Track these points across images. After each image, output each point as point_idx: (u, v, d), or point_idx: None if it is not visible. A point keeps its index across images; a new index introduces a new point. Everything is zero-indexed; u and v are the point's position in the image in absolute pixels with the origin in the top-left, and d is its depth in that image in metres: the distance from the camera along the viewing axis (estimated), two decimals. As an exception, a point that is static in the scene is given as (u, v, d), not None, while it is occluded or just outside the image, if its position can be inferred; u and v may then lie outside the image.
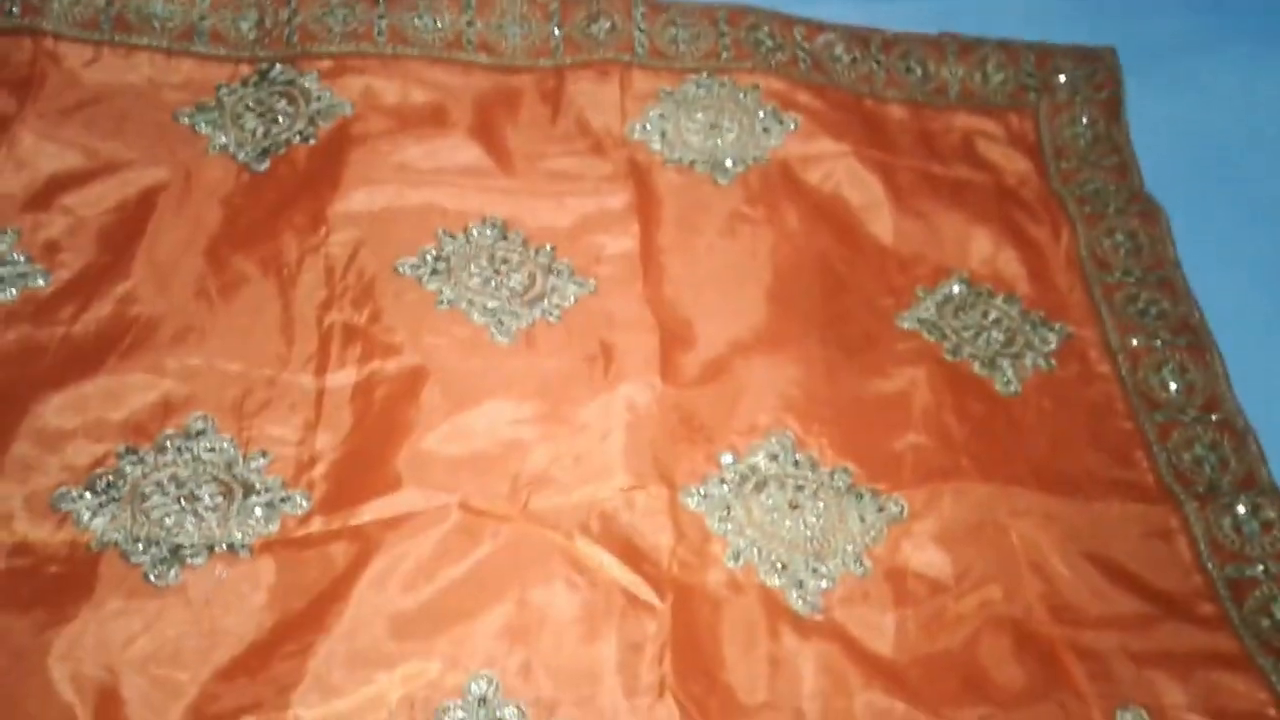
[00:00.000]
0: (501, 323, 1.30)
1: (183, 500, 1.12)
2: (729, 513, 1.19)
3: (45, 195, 1.34)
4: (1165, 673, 1.13)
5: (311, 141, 1.44)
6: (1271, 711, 1.11)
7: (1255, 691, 1.12)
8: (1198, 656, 1.14)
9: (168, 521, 1.10)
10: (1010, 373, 1.36)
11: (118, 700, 0.98)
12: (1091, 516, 1.24)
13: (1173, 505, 1.26)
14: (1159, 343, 1.41)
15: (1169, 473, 1.29)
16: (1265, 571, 1.21)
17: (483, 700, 1.02)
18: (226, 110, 1.46)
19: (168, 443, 1.16)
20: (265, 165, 1.41)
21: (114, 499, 1.11)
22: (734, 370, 1.30)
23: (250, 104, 1.46)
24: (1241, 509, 1.25)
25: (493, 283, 1.33)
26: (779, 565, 1.16)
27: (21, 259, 1.28)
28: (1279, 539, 1.23)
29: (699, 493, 1.20)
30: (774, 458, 1.23)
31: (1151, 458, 1.31)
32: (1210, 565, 1.22)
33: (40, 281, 1.27)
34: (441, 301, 1.31)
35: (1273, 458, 1.30)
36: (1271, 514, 1.24)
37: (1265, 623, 1.17)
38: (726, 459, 1.23)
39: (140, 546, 1.08)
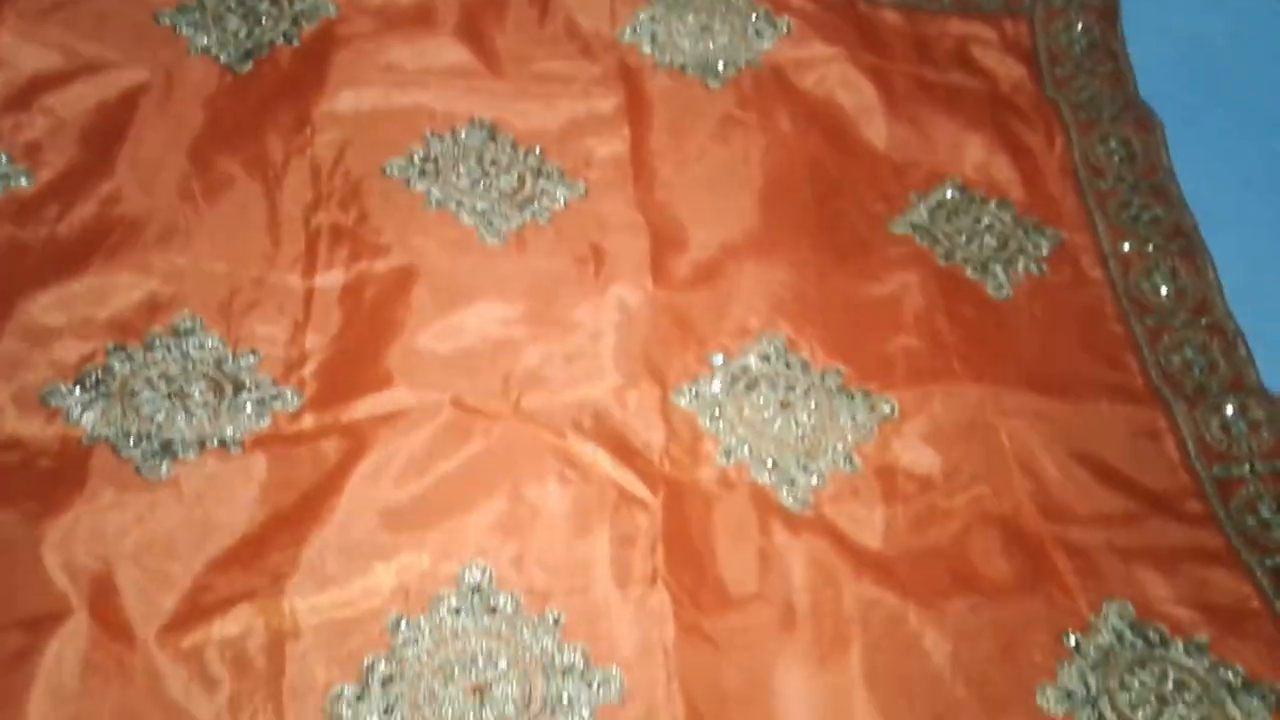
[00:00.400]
0: (491, 224, 1.28)
1: (173, 397, 1.11)
2: (720, 412, 1.19)
3: (25, 95, 1.32)
4: (1151, 568, 1.14)
5: (295, 43, 1.41)
6: (1254, 604, 1.12)
7: (1239, 585, 1.13)
8: (1184, 552, 1.16)
9: (158, 417, 1.09)
10: (1002, 277, 1.36)
11: (112, 589, 0.99)
12: (1080, 417, 1.24)
13: (1161, 406, 1.27)
14: (1151, 248, 1.41)
15: (1158, 375, 1.30)
16: (1252, 470, 1.22)
17: (477, 589, 1.02)
18: (208, 11, 1.43)
19: (156, 341, 1.15)
20: (248, 66, 1.39)
21: (103, 395, 1.10)
22: (725, 273, 1.29)
23: (232, 5, 1.44)
24: (1230, 409, 1.26)
25: (482, 184, 1.32)
26: (770, 463, 1.16)
27: (3, 159, 1.26)
28: (1266, 439, 1.24)
29: (690, 392, 1.20)
30: (765, 359, 1.23)
31: (1141, 360, 1.31)
32: (1198, 465, 1.22)
33: (23, 182, 1.25)
34: (430, 203, 1.29)
35: (1261, 361, 1.30)
36: (1259, 414, 1.25)
37: (1250, 520, 1.18)
38: (717, 360, 1.23)
39: (131, 441, 1.07)
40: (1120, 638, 1.08)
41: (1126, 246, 1.41)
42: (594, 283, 1.25)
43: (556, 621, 1.02)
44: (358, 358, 1.16)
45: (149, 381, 1.12)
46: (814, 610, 1.06)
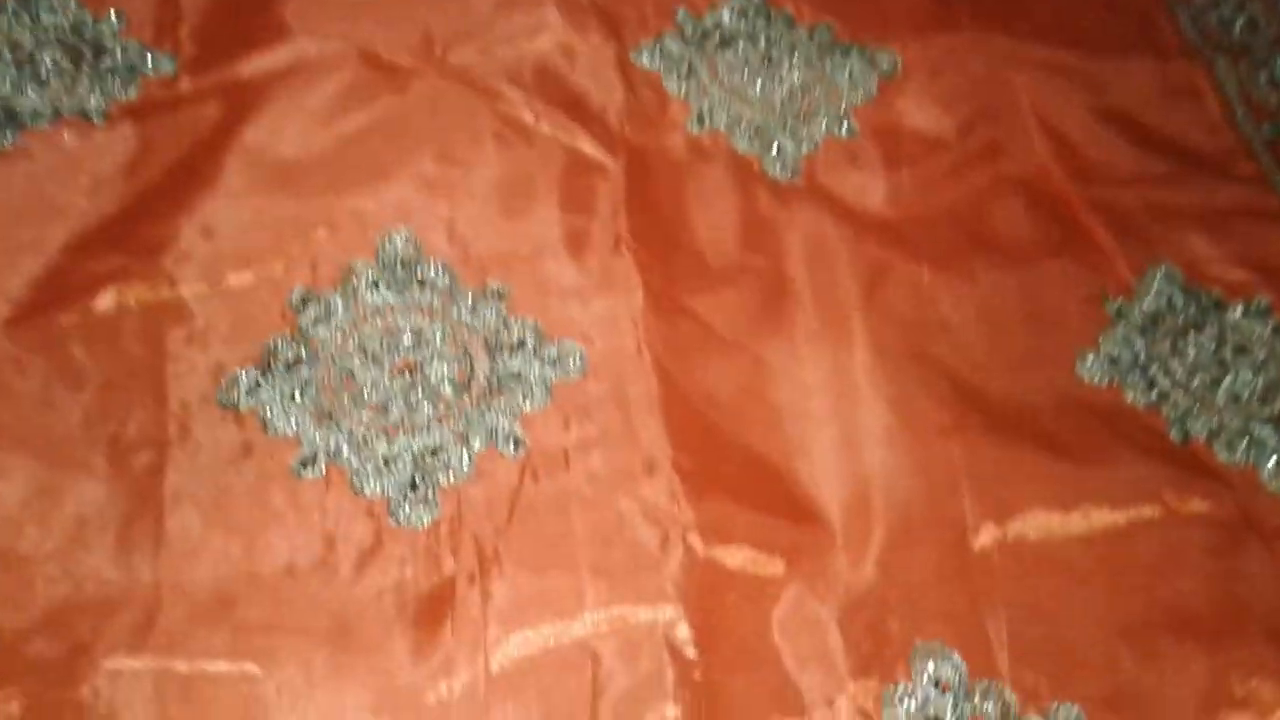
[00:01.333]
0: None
1: (20, 65, 0.90)
2: (689, 71, 0.99)
3: None
4: (1198, 229, 0.98)
5: None
6: (1312, 253, 0.96)
7: (1299, 243, 0.97)
8: (1234, 212, 1.00)
9: (3, 89, 0.89)
10: (1010, -67, 1.16)
11: (-56, 271, 0.80)
12: (1106, 72, 1.07)
13: (1199, 62, 1.09)
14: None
15: (1194, 31, 1.11)
16: (1306, 127, 1.05)
17: (400, 259, 0.84)
18: None
19: (-3, 5, 0.94)
20: None
21: (-70, 63, 0.90)
22: (686, -80, 1.08)
23: None
24: (1279, 65, 1.08)
25: None
26: (751, 129, 0.97)
27: None
28: (1322, 94, 1.06)
29: (653, 49, 1.00)
30: (742, 14, 1.03)
31: (1174, 19, 1.13)
32: (1245, 124, 1.05)
33: None
34: None
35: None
36: (1315, 67, 1.07)
37: (1309, 181, 1.02)
38: (681, 14, 1.02)
39: (-35, 110, 0.87)
40: (1169, 301, 0.92)
41: (1151, -98, 1.21)
42: (526, -79, 1.03)
43: (499, 294, 0.84)
44: (244, 8, 0.94)
45: (-13, 49, 0.91)
46: (811, 278, 0.90)
